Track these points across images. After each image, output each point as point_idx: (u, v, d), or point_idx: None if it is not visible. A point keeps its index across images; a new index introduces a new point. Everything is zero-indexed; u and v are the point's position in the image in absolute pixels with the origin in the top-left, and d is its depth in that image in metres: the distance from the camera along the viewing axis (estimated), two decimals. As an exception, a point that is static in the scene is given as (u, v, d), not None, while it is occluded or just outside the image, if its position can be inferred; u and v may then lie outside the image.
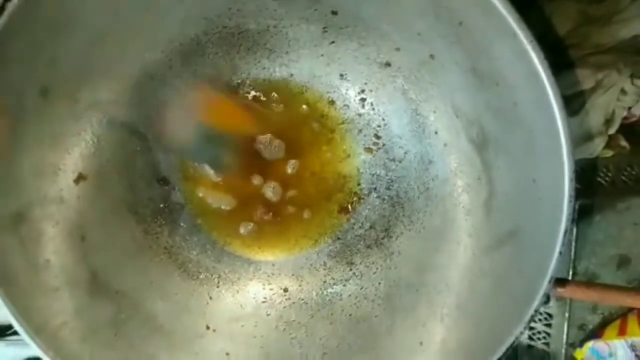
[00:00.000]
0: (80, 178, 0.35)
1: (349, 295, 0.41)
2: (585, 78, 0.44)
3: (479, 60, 0.30)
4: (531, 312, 0.30)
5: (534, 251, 0.31)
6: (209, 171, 0.39)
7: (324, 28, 0.35)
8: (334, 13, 0.33)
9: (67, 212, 0.35)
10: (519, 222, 0.32)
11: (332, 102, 0.39)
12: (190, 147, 0.38)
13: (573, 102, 0.45)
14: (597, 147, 0.45)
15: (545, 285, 0.30)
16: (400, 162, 0.39)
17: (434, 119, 0.36)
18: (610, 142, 0.46)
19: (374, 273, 0.40)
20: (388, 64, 0.36)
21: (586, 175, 0.46)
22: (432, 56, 0.33)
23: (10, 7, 0.26)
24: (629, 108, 0.46)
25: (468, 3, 0.26)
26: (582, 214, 0.44)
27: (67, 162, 0.34)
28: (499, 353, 0.31)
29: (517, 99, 0.29)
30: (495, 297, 0.33)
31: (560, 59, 0.45)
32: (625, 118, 0.46)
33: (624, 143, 0.47)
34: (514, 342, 0.31)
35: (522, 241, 0.32)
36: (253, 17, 0.34)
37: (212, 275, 0.41)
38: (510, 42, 0.26)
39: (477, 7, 0.26)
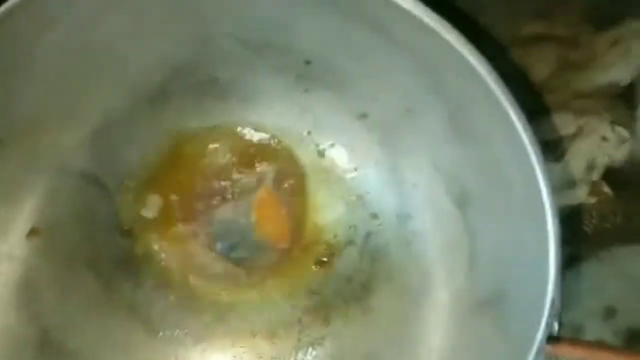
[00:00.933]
0: (33, 233, 0.33)
1: (325, 355, 0.38)
2: (567, 123, 0.44)
3: (459, 117, 0.29)
4: (517, 385, 0.28)
5: (520, 317, 0.29)
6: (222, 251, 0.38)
7: (297, 76, 0.33)
8: (307, 62, 0.32)
9: (18, 270, 0.32)
10: (503, 286, 0.31)
11: (305, 152, 0.37)
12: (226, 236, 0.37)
13: (555, 148, 0.44)
14: (580, 195, 0.45)
15: (532, 354, 0.28)
16: (378, 215, 0.38)
17: (412, 172, 0.35)
18: (593, 189, 0.46)
19: (352, 331, 0.38)
20: (364, 115, 0.34)
21: (570, 224, 0.45)
22: (409, 110, 0.32)
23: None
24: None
25: (444, 59, 0.25)
26: (566, 264, 0.43)
27: (19, 216, 0.32)
28: None
29: (497, 155, 0.28)
30: (478, 363, 0.31)
31: (540, 104, 0.45)
32: (607, 165, 0.45)
33: (607, 190, 0.46)
34: (497, 416, 0.29)
35: (507, 305, 0.30)
36: (221, 64, 0.33)
37: (178, 332, 0.39)
38: (487, 100, 0.25)
39: (454, 64, 0.25)
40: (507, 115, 0.25)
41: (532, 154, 0.25)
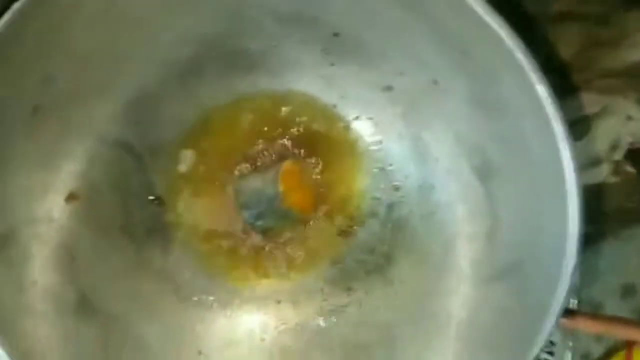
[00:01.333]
0: (71, 197, 0.34)
1: (347, 322, 0.39)
2: (591, 102, 0.44)
3: (483, 89, 0.29)
4: (535, 351, 0.29)
5: (538, 287, 0.30)
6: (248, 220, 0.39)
7: (324, 50, 0.34)
8: (336, 35, 0.32)
9: (57, 232, 0.34)
10: (522, 255, 0.31)
11: (331, 124, 0.38)
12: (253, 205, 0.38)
13: (578, 127, 0.44)
14: (602, 173, 0.44)
15: (550, 323, 0.29)
16: (401, 186, 0.38)
17: (436, 145, 0.35)
18: (616, 168, 0.45)
19: (374, 300, 0.39)
20: (390, 88, 0.35)
21: (591, 202, 0.45)
22: (435, 82, 0.32)
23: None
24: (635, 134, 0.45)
25: (473, 32, 0.25)
26: (587, 242, 0.43)
27: (58, 181, 0.34)
28: (500, 390, 0.30)
29: (521, 129, 0.28)
30: (498, 331, 0.32)
31: (566, 82, 0.45)
32: (631, 144, 0.45)
33: (630, 169, 0.46)
34: (515, 381, 0.30)
35: (525, 275, 0.31)
36: (251, 38, 0.33)
37: (205, 297, 0.40)
38: (515, 74, 0.25)
39: (483, 37, 0.25)
40: (534, 89, 0.25)
41: (557, 129, 0.26)
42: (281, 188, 0.36)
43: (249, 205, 0.38)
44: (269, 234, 0.39)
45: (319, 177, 0.39)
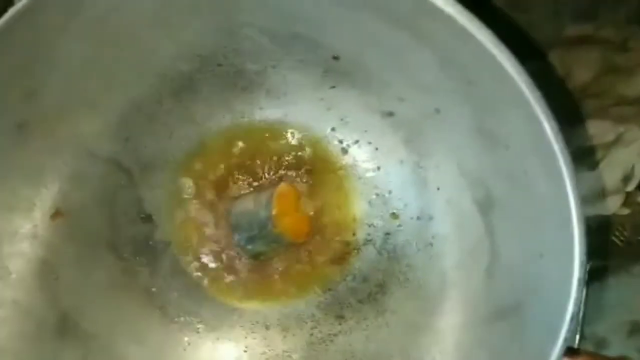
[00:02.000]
0: (57, 214, 0.33)
1: (336, 351, 0.38)
2: (606, 130, 0.43)
3: (488, 121, 0.28)
4: (531, 400, 0.27)
5: (537, 331, 0.28)
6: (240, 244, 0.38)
7: (324, 72, 0.33)
8: (335, 58, 0.31)
9: (41, 249, 0.33)
10: (522, 296, 0.30)
11: (329, 148, 0.37)
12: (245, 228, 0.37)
13: (591, 156, 0.43)
14: (613, 205, 0.43)
15: (547, 372, 0.27)
16: (399, 214, 0.37)
17: (437, 174, 0.34)
18: (628, 200, 0.44)
19: (364, 330, 0.38)
20: (391, 114, 0.34)
21: (600, 234, 0.44)
22: (437, 110, 0.31)
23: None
24: (650, 164, 0.44)
25: (479, 63, 0.24)
26: (593, 276, 0.42)
27: (44, 197, 0.33)
28: None
29: (526, 164, 0.27)
30: (492, 374, 0.31)
31: (580, 109, 0.43)
32: (644, 175, 0.44)
33: (641, 201, 0.44)
34: None
35: (524, 317, 0.29)
36: (250, 57, 0.32)
37: (192, 319, 0.39)
38: (521, 108, 0.23)
39: (488, 69, 0.24)
40: (538, 123, 0.23)
41: (562, 165, 0.24)
42: (274, 212, 0.35)
43: (240, 227, 0.37)
44: (259, 258, 0.38)
45: (315, 202, 0.37)
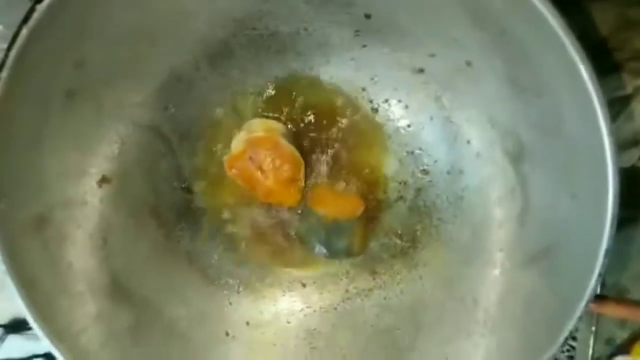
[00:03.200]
0: (103, 180, 0.35)
1: (372, 306, 0.40)
2: (624, 84, 0.43)
3: (521, 70, 0.29)
4: (564, 336, 0.29)
5: (571, 271, 0.30)
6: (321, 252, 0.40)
7: (356, 31, 0.33)
8: (367, 17, 0.32)
9: (90, 214, 0.34)
10: (555, 239, 0.31)
11: (360, 107, 0.38)
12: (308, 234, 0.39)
13: (610, 109, 0.43)
14: (633, 157, 0.44)
15: (581, 307, 0.28)
16: (429, 170, 0.38)
17: (467, 127, 0.35)
18: (648, 152, 0.44)
19: (398, 284, 0.39)
20: (421, 70, 0.34)
21: (623, 186, 0.45)
22: (468, 63, 0.32)
23: (38, 10, 0.25)
24: (667, 117, 0.44)
25: (511, 9, 0.25)
26: (618, 227, 0.43)
27: (92, 164, 0.34)
28: (529, 374, 0.30)
29: (560, 111, 0.28)
30: (526, 317, 0.32)
31: (598, 64, 0.44)
32: (662, 127, 0.44)
33: (660, 153, 0.45)
34: (545, 365, 0.30)
35: (557, 259, 0.31)
36: (283, 19, 0.33)
37: (232, 281, 0.41)
38: (556, 53, 0.24)
39: (521, 14, 0.24)
40: (573, 64, 0.24)
41: (597, 105, 0.25)
42: (321, 212, 0.37)
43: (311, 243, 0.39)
44: (352, 253, 0.40)
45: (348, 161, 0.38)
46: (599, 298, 0.36)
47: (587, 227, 0.28)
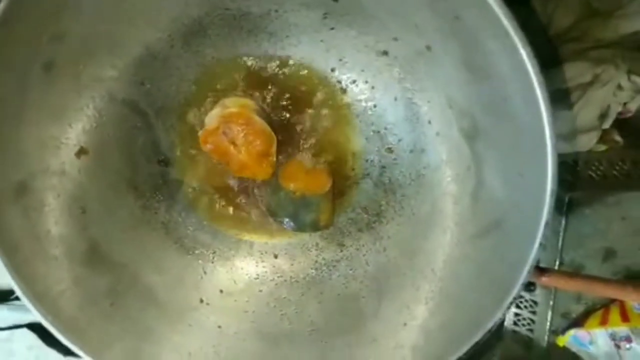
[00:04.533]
0: (81, 152, 0.36)
1: (339, 276, 0.42)
2: (584, 71, 0.45)
3: (473, 54, 0.30)
4: (510, 299, 0.31)
5: (517, 241, 0.32)
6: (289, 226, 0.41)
7: (324, 14, 0.35)
8: (335, 0, 0.33)
9: (69, 184, 0.36)
10: (504, 213, 0.33)
11: (330, 87, 0.39)
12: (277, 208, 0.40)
13: (570, 95, 0.45)
14: (590, 141, 0.46)
15: (525, 274, 0.31)
16: (393, 149, 0.40)
17: (428, 108, 0.37)
18: (604, 137, 0.47)
19: (364, 255, 0.42)
20: (385, 53, 0.36)
21: (578, 169, 0.47)
22: (428, 47, 0.33)
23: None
24: (625, 104, 0.46)
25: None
26: (572, 207, 0.45)
27: (70, 135, 0.35)
28: (478, 336, 0.32)
29: (507, 93, 0.30)
30: (477, 283, 0.34)
31: (560, 52, 0.46)
32: (620, 113, 0.46)
33: (617, 138, 0.47)
34: (492, 327, 0.32)
35: (506, 231, 0.33)
36: (254, 0, 0.34)
37: (207, 251, 0.43)
38: (501, 39, 0.26)
39: (472, 3, 0.26)
40: (518, 54, 0.26)
41: (539, 93, 0.27)
42: (291, 187, 0.39)
43: (279, 215, 0.41)
44: (318, 227, 0.41)
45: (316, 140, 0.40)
46: (553, 273, 0.38)
47: (532, 202, 0.30)
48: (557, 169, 0.28)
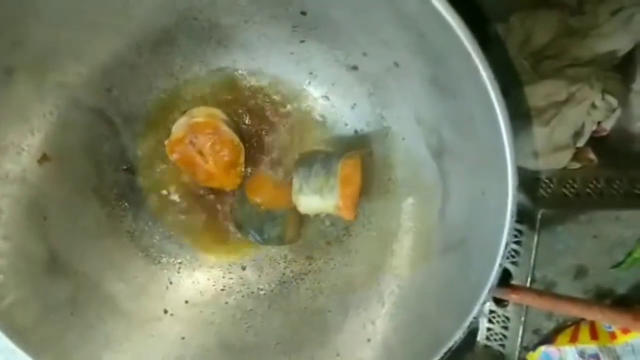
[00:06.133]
0: (44, 159, 0.36)
1: (306, 289, 0.42)
2: (559, 90, 0.45)
3: (439, 72, 0.30)
4: (470, 318, 0.31)
5: (479, 260, 0.32)
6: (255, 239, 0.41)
7: (293, 27, 0.35)
8: (303, 13, 0.33)
9: (29, 191, 0.35)
10: (468, 231, 0.33)
11: (300, 100, 0.39)
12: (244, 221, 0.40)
13: (545, 113, 0.45)
14: (564, 159, 0.46)
15: (484, 294, 0.31)
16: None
17: (397, 124, 0.37)
18: (579, 155, 0.47)
19: (332, 269, 0.42)
20: (355, 68, 0.36)
21: (552, 186, 0.47)
22: (396, 64, 0.33)
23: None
24: (599, 122, 0.47)
25: (427, 18, 0.27)
26: (544, 223, 0.45)
27: (32, 142, 0.35)
28: (439, 354, 0.32)
29: (471, 113, 0.30)
30: (440, 300, 0.34)
31: (537, 69, 0.46)
32: (594, 132, 0.47)
33: (592, 156, 0.48)
34: (453, 346, 0.32)
35: (469, 249, 0.33)
36: (224, 11, 0.34)
37: (173, 261, 0.42)
38: (463, 59, 0.26)
39: (435, 23, 0.26)
40: (477, 71, 0.26)
41: (499, 112, 0.27)
42: (258, 200, 0.38)
43: (246, 228, 0.40)
44: (283, 240, 0.41)
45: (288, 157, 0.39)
46: (520, 289, 0.38)
47: (493, 222, 0.30)
48: (516, 192, 0.28)
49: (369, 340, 0.37)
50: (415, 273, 0.37)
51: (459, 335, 0.32)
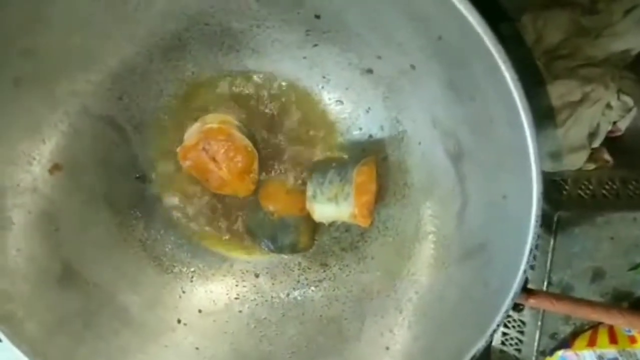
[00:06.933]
0: (55, 168, 0.35)
1: (321, 297, 0.41)
2: (573, 90, 0.44)
3: (457, 74, 0.30)
4: (494, 326, 0.30)
5: (501, 266, 0.31)
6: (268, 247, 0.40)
7: (306, 31, 0.34)
8: (317, 17, 0.33)
9: (41, 201, 0.35)
10: (488, 236, 0.32)
11: (314, 105, 0.39)
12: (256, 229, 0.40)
13: (560, 114, 0.45)
14: (580, 160, 0.45)
15: (508, 301, 0.30)
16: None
17: (413, 128, 0.36)
18: (594, 156, 0.46)
19: (347, 276, 0.41)
20: (370, 71, 0.36)
21: (567, 188, 0.46)
22: (412, 66, 0.33)
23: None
24: (614, 122, 0.46)
25: (446, 18, 0.26)
26: (560, 226, 0.45)
27: (43, 151, 0.34)
28: (461, 363, 0.31)
29: (491, 115, 0.29)
30: (461, 308, 0.34)
31: (551, 69, 0.45)
32: (610, 132, 0.46)
33: (607, 157, 0.47)
34: (475, 354, 0.31)
35: (490, 255, 0.32)
36: (235, 16, 0.34)
37: (186, 270, 0.42)
38: (485, 60, 0.25)
39: (455, 24, 0.25)
40: (499, 72, 0.25)
41: (522, 114, 0.26)
42: (271, 208, 0.38)
43: (259, 236, 0.40)
44: (297, 249, 0.41)
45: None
46: (540, 294, 0.37)
47: (516, 226, 0.29)
48: (542, 195, 0.27)
49: (387, 348, 0.36)
50: (433, 280, 0.36)
51: (481, 343, 0.31)
